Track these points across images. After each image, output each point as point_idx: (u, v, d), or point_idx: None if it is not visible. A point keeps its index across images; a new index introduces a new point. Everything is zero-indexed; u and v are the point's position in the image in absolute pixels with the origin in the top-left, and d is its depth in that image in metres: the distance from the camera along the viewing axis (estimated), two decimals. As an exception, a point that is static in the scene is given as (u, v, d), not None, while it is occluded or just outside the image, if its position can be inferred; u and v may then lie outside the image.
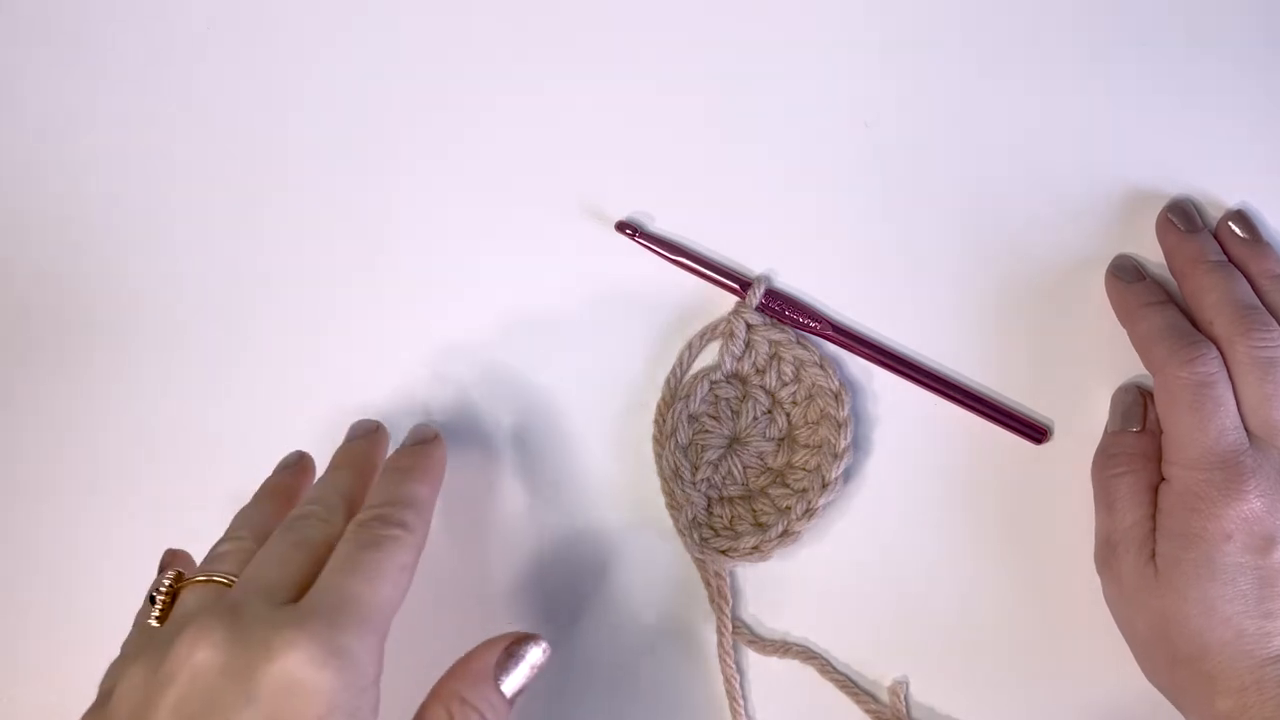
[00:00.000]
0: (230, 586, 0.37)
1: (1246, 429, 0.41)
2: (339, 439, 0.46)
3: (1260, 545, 0.40)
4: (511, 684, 0.38)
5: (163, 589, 0.37)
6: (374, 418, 0.47)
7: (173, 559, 0.42)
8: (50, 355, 0.50)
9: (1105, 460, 0.44)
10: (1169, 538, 0.41)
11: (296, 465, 0.45)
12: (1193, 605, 0.40)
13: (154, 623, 0.37)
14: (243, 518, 0.41)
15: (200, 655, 0.33)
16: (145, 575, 0.42)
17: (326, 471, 0.43)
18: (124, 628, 0.40)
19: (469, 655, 0.39)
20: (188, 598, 0.37)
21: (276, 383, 0.49)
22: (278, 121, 0.49)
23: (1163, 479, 0.42)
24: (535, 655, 0.38)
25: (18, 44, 0.50)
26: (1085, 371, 0.46)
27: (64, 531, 0.50)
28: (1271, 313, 0.42)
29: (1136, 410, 0.44)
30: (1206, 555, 0.40)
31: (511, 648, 0.38)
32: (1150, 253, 0.45)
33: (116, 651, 0.39)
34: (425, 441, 0.44)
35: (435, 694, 0.38)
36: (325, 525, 0.38)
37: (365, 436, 0.45)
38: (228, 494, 0.44)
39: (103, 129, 0.50)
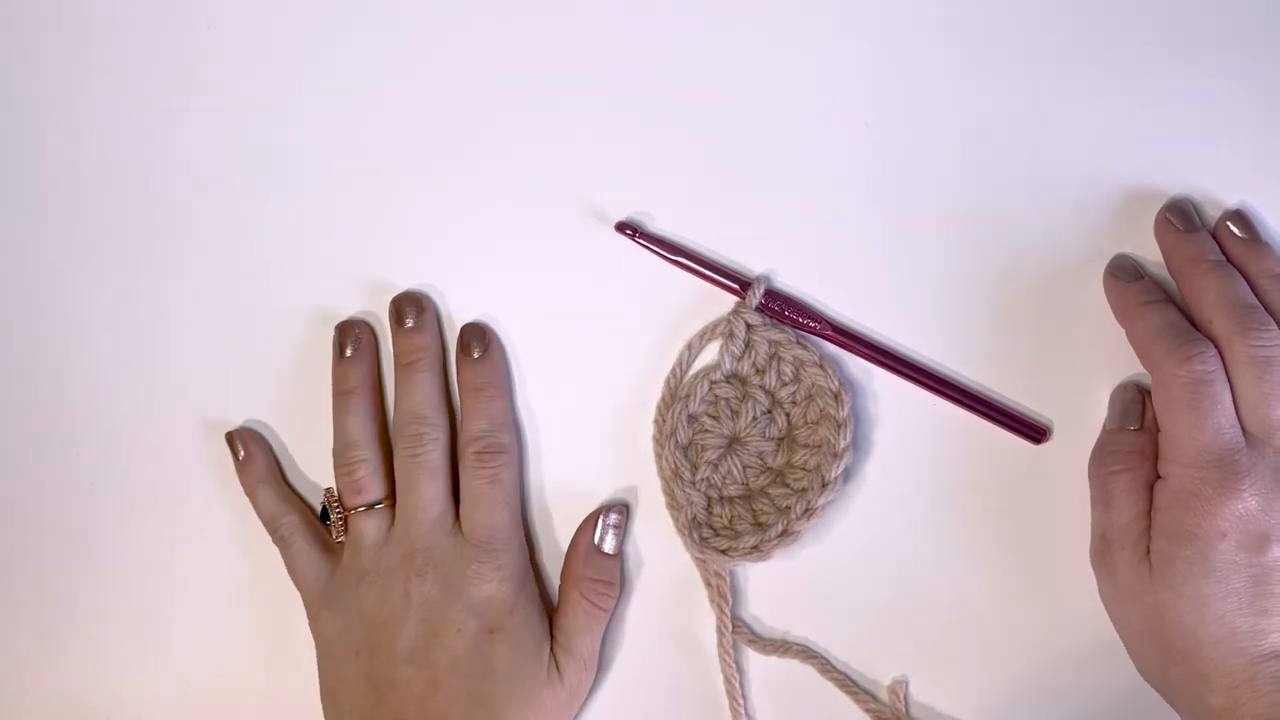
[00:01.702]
0: (391, 508, 0.47)
1: (1243, 428, 0.41)
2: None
3: (1254, 544, 0.40)
4: (611, 546, 0.47)
5: (336, 513, 0.48)
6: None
7: (249, 443, 0.49)
8: (49, 352, 0.50)
9: (1103, 457, 0.44)
10: (1164, 535, 0.41)
11: (359, 350, 0.48)
12: (1186, 602, 0.40)
13: (338, 537, 0.48)
14: (350, 431, 0.47)
15: (426, 587, 0.45)
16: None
17: (401, 374, 0.47)
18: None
19: (573, 542, 0.48)
20: (363, 524, 0.47)
21: (278, 392, 0.49)
22: (277, 123, 0.49)
23: (1159, 477, 0.42)
24: (615, 518, 0.47)
25: (18, 44, 0.50)
26: (1084, 371, 0.46)
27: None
28: (1270, 312, 0.42)
29: (1135, 408, 0.44)
30: (1201, 553, 0.40)
31: (598, 521, 0.47)
32: (1149, 252, 0.45)
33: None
34: (484, 345, 0.47)
35: (563, 580, 0.48)
36: (438, 445, 0.47)
37: (418, 326, 0.48)
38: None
39: (102, 129, 0.49)
